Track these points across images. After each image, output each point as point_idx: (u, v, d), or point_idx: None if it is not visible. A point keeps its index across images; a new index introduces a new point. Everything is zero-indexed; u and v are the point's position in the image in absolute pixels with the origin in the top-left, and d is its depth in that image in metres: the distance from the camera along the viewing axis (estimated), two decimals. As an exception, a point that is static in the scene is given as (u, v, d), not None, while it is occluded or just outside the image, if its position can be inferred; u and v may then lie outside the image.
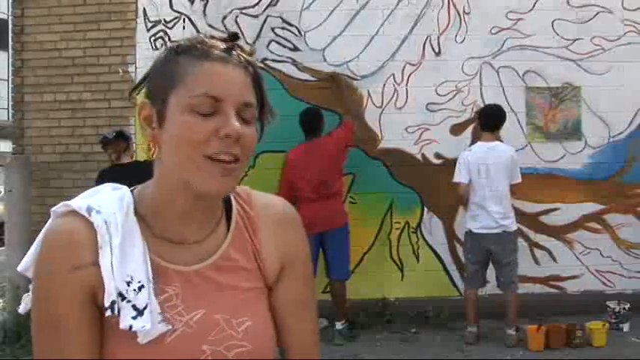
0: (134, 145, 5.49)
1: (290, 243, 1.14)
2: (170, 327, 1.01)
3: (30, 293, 1.05)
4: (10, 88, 7.25)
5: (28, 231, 5.62)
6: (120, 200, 1.05)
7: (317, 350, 1.18)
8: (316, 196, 5.19)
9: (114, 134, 5.20)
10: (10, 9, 8.07)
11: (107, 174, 4.92)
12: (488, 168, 5.07)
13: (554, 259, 5.96)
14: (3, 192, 6.92)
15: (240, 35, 1.07)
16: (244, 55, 1.05)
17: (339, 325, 5.30)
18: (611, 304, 5.46)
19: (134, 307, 0.98)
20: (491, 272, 5.24)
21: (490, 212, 5.05)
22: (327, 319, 5.41)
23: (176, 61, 1.03)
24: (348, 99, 5.82)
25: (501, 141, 5.28)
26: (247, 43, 5.86)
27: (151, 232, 1.06)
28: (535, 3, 5.95)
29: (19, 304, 1.07)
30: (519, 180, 5.15)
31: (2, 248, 7.22)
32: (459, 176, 5.16)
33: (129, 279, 0.99)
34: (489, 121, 5.26)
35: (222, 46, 1.04)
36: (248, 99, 1.03)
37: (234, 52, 1.04)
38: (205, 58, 1.01)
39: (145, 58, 5.82)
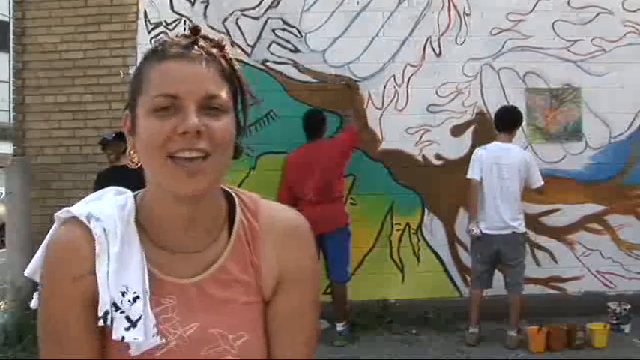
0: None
1: (291, 258, 1.09)
2: (163, 341, 0.99)
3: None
4: (11, 90, 7.26)
5: (28, 233, 5.62)
6: (121, 208, 1.05)
7: None
8: (318, 199, 5.19)
9: (113, 135, 5.20)
10: (12, 11, 8.08)
11: (106, 175, 4.93)
12: (500, 168, 5.08)
13: (555, 260, 5.96)
14: (4, 194, 6.92)
15: (200, 28, 1.05)
16: (206, 47, 1.02)
17: (339, 327, 5.30)
18: (612, 305, 5.46)
19: (127, 318, 0.97)
20: (498, 273, 5.24)
21: (500, 213, 5.05)
22: (327, 321, 5.41)
23: (140, 69, 1.04)
24: (359, 106, 5.84)
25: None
26: (248, 45, 5.88)
27: (151, 240, 1.05)
28: (535, 4, 5.95)
29: (23, 303, 1.09)
30: (541, 183, 5.16)
31: (3, 250, 7.23)
32: (472, 172, 5.18)
33: (124, 289, 0.98)
34: (505, 121, 5.26)
35: (184, 42, 1.02)
36: (211, 91, 0.99)
37: (195, 47, 1.01)
38: (162, 59, 1.00)
39: (145, 59, 5.81)
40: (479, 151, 5.24)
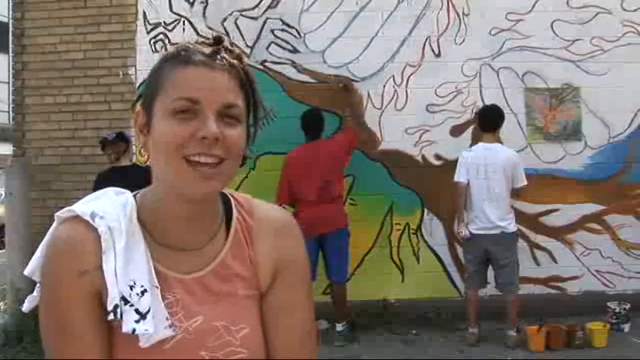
0: (134, 147, 5.49)
1: (284, 251, 1.15)
2: (175, 332, 1.02)
3: (34, 293, 1.07)
4: (10, 91, 7.26)
5: (28, 233, 5.62)
6: (123, 206, 1.07)
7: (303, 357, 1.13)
8: (318, 199, 5.20)
9: (114, 135, 5.20)
10: (11, 12, 8.08)
11: (106, 176, 4.93)
12: (487, 169, 5.09)
13: (555, 260, 5.96)
14: (3, 195, 6.92)
15: (224, 38, 1.08)
16: (229, 58, 1.05)
17: (339, 327, 5.30)
18: (612, 304, 5.46)
19: (137, 311, 0.99)
20: (491, 273, 5.25)
21: (487, 213, 5.06)
22: (327, 321, 5.41)
23: (161, 69, 1.06)
24: (356, 106, 5.84)
25: (501, 142, 5.29)
26: (247, 45, 5.88)
27: (152, 238, 1.07)
28: (534, 4, 5.96)
29: (22, 304, 1.09)
30: (524, 183, 5.16)
31: (3, 251, 7.23)
32: (458, 175, 5.19)
33: (132, 283, 1.00)
34: (489, 121, 5.27)
35: (207, 50, 1.05)
36: (230, 100, 1.03)
37: (218, 56, 1.04)
38: (186, 64, 1.03)
39: (145, 60, 5.83)
40: (464, 154, 5.26)
